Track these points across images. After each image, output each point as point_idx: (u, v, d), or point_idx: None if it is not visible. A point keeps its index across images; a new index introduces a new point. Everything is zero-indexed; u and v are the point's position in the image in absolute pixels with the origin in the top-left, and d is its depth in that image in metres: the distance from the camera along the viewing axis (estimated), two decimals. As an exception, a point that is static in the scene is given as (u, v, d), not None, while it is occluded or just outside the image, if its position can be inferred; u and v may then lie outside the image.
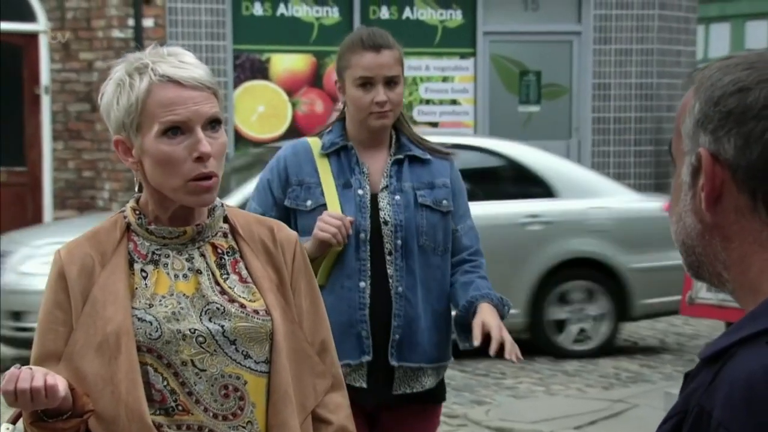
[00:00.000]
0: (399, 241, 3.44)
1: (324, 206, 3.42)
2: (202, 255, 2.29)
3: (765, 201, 1.30)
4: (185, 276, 2.27)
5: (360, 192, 3.46)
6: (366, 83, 3.41)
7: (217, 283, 2.28)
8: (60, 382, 2.10)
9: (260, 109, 12.13)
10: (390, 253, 3.45)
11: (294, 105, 12.17)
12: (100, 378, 2.18)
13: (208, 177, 2.19)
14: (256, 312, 2.26)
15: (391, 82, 3.43)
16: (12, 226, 11.40)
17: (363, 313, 3.43)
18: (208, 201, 2.24)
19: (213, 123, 2.21)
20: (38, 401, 2.08)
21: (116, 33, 11.66)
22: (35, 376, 2.07)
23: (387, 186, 3.49)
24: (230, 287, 2.28)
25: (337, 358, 2.46)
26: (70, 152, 11.90)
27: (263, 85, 12.12)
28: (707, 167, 1.33)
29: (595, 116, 12.57)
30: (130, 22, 11.67)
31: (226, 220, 2.34)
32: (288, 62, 12.14)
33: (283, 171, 3.49)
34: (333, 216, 3.35)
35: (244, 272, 2.31)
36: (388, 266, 3.45)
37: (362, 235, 3.43)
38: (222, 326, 2.23)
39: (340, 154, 3.50)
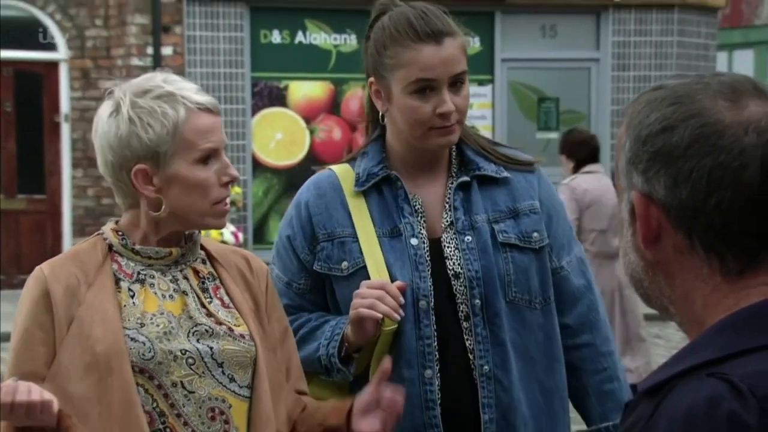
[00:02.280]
0: (477, 300, 2.44)
1: (365, 268, 2.47)
2: (186, 278, 2.29)
3: (700, 239, 1.29)
4: (171, 296, 2.26)
5: (413, 241, 2.47)
6: (425, 88, 2.44)
7: (203, 306, 2.28)
8: (54, 399, 2.07)
9: (278, 136, 12.16)
10: (467, 319, 2.45)
11: (312, 132, 12.20)
12: (86, 400, 2.15)
13: (226, 200, 2.27)
14: (242, 336, 2.26)
15: (456, 82, 2.46)
16: (32, 253, 11.47)
17: (433, 414, 2.45)
18: (225, 223, 2.29)
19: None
20: (33, 416, 2.05)
21: (135, 61, 11.73)
22: (32, 389, 2.05)
23: (452, 223, 2.50)
24: (215, 311, 2.28)
25: (305, 381, 2.44)
26: (90, 180, 11.95)
27: (281, 113, 12.15)
28: (641, 210, 1.32)
29: (613, 143, 12.49)
30: (149, 50, 11.75)
31: (202, 247, 2.36)
32: (306, 89, 12.18)
33: (307, 222, 2.54)
34: (371, 285, 2.41)
35: (226, 298, 2.31)
36: (465, 338, 2.46)
37: (423, 303, 2.44)
38: (210, 347, 2.22)
39: (381, 188, 2.53)
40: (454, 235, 2.48)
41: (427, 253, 2.48)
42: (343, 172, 2.57)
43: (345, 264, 2.49)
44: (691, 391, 1.22)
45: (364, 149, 2.59)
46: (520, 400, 2.47)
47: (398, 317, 2.38)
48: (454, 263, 2.46)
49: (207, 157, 2.22)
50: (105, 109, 2.24)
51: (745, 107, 1.28)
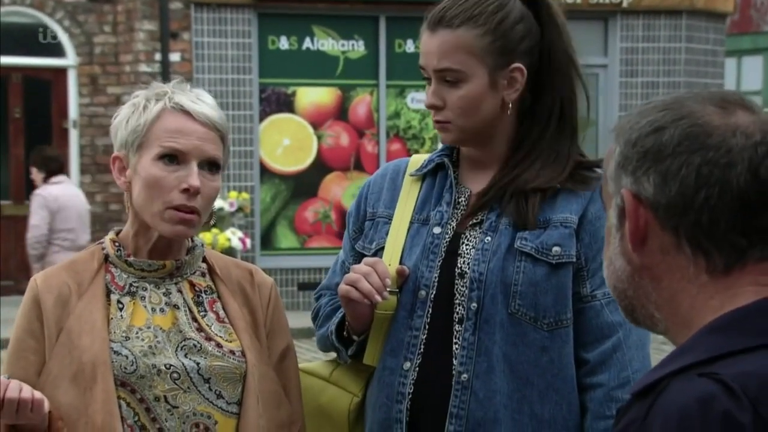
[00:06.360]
0: (474, 304, 2.28)
1: (383, 250, 2.41)
2: (180, 291, 2.29)
3: (687, 237, 1.31)
4: (162, 310, 2.26)
5: (436, 230, 2.36)
6: (426, 76, 2.36)
7: (195, 320, 2.27)
8: (45, 400, 2.10)
9: (285, 142, 12.18)
10: (461, 321, 2.30)
11: (319, 138, 12.21)
12: (74, 408, 2.16)
13: (189, 210, 2.20)
14: (232, 352, 2.26)
15: (444, 79, 2.32)
16: (39, 259, 11.49)
17: (399, 408, 2.33)
18: (184, 234, 2.23)
19: (211, 165, 2.23)
20: (23, 413, 2.07)
21: (143, 67, 11.76)
22: (23, 387, 2.07)
23: (480, 222, 2.35)
24: (207, 325, 2.28)
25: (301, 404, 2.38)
26: (98, 186, 11.98)
27: (289, 118, 12.17)
28: (630, 208, 1.34)
29: (621, 149, 12.53)
30: (157, 56, 11.77)
31: (204, 260, 2.35)
32: (313, 95, 12.19)
33: (363, 201, 2.50)
34: (365, 262, 2.33)
35: (222, 312, 2.31)
36: (454, 341, 2.31)
37: (422, 293, 2.33)
38: (197, 363, 2.22)
39: (437, 175, 2.44)
40: (477, 234, 2.33)
41: (446, 245, 2.34)
42: (419, 157, 2.50)
43: (374, 244, 2.43)
44: (684, 391, 1.23)
45: None
46: (497, 419, 2.27)
47: (379, 299, 2.28)
48: (464, 261, 2.31)
49: (169, 158, 2.19)
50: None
51: (733, 113, 1.32)
